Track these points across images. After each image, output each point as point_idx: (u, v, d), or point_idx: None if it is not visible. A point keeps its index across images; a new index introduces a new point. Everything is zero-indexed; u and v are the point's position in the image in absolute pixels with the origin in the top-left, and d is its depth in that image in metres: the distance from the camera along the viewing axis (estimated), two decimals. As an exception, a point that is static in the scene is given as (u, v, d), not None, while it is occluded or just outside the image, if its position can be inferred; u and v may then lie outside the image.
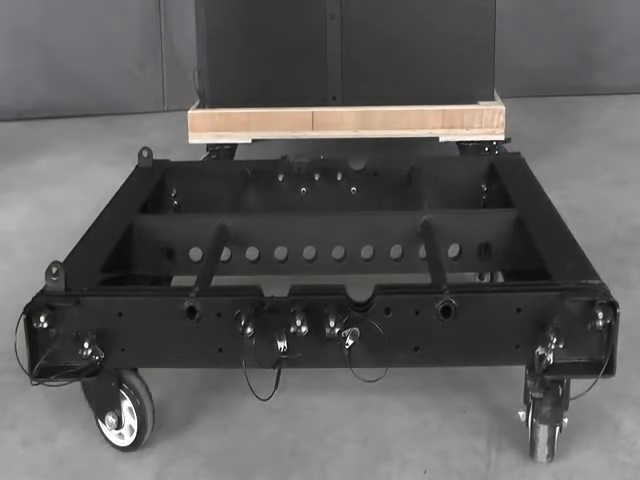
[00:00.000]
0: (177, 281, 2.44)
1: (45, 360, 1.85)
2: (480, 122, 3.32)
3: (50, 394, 2.14)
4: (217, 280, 2.06)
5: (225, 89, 3.41)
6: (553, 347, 1.78)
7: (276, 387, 1.85)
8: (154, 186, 2.49)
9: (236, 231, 2.26)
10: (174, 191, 2.55)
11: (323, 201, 2.54)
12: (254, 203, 2.55)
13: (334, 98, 3.39)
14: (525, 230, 2.15)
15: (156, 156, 2.63)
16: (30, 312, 1.83)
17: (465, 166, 2.61)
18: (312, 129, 3.37)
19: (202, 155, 3.45)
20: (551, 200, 2.31)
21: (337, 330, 1.79)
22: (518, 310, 1.82)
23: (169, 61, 4.68)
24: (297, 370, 1.98)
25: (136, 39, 4.64)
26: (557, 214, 2.22)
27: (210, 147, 3.44)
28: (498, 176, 2.46)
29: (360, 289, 1.88)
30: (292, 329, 1.80)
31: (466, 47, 3.34)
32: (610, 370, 1.80)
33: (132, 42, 4.64)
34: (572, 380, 1.85)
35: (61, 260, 1.95)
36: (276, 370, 1.85)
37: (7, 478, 1.95)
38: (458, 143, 3.40)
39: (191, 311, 1.82)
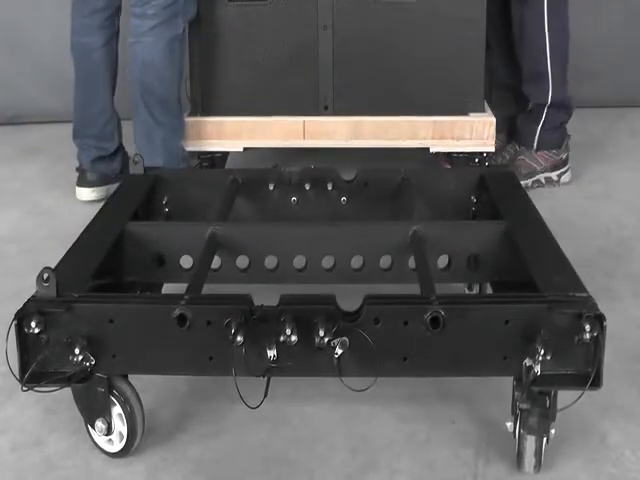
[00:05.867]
0: (167, 289, 2.45)
1: (36, 366, 1.85)
2: (471, 133, 3.34)
3: (40, 399, 2.15)
4: (207, 288, 2.07)
5: (217, 97, 3.43)
6: (541, 359, 1.79)
7: (265, 395, 1.86)
8: (145, 193, 2.50)
9: (226, 239, 2.26)
10: (165, 199, 2.56)
11: (313, 210, 2.55)
12: (245, 211, 2.56)
13: (326, 108, 3.40)
14: (513, 242, 2.16)
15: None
16: (21, 318, 1.83)
17: (455, 177, 2.62)
18: (303, 138, 3.38)
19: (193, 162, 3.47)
20: (539, 212, 2.32)
21: (326, 339, 1.80)
22: (506, 322, 1.84)
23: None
24: (287, 379, 1.99)
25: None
26: (545, 226, 2.23)
27: (201, 155, 3.45)
28: (487, 188, 2.47)
29: (349, 299, 1.89)
30: (282, 338, 1.81)
31: (457, 59, 3.36)
32: (597, 382, 1.81)
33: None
34: (560, 392, 1.87)
35: (52, 266, 1.96)
36: (266, 379, 1.86)
37: (-4, 483, 1.96)
38: (448, 154, 3.42)
39: (181, 319, 1.83)
